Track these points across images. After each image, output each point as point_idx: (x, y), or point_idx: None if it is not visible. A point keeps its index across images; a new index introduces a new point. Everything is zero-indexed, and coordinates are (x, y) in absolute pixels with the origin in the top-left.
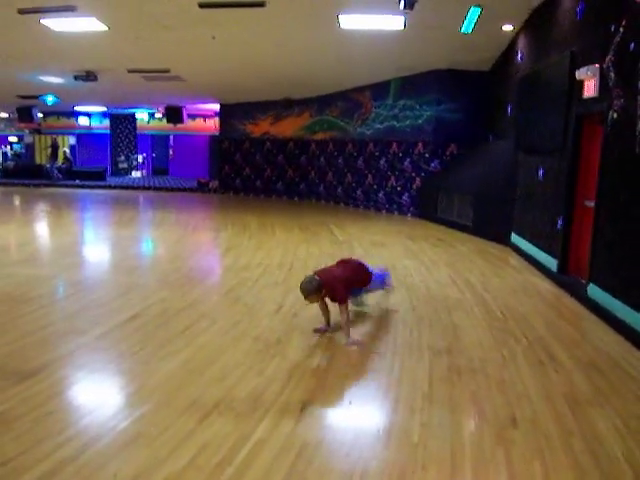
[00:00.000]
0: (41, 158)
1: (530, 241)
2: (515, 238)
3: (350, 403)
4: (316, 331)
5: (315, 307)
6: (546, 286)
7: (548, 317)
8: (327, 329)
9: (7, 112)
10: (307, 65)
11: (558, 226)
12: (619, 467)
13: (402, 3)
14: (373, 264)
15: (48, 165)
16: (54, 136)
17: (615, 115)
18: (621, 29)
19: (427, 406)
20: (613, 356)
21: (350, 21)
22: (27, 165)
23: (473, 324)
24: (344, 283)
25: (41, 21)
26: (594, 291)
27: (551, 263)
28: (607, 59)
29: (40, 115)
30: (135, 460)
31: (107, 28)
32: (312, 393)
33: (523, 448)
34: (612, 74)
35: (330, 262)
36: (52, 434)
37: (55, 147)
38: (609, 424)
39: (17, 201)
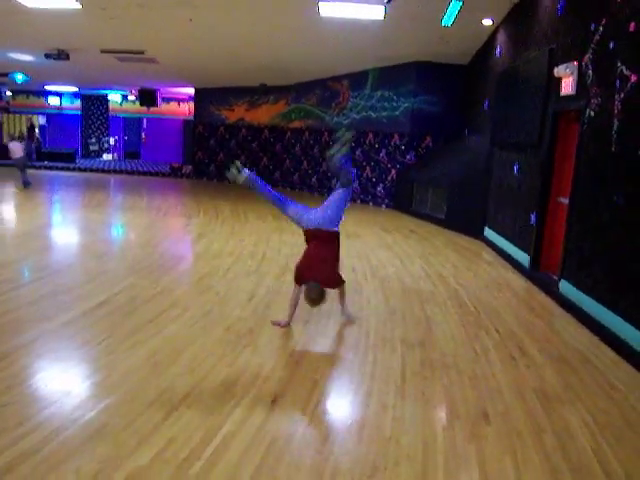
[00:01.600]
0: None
1: (503, 236)
2: (488, 232)
3: (322, 396)
4: (274, 323)
5: (288, 298)
6: (518, 281)
7: (520, 312)
8: (286, 325)
9: None
10: (285, 52)
11: (531, 222)
12: (588, 462)
13: None
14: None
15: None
16: (30, 116)
17: (592, 113)
18: (601, 28)
19: (400, 401)
20: (583, 352)
21: (330, 9)
22: None
23: (446, 318)
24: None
25: None
26: (565, 287)
27: (523, 258)
28: (586, 57)
29: (9, 93)
30: (99, 453)
31: (80, 6)
32: (283, 386)
33: (495, 444)
34: (590, 72)
35: (303, 251)
36: (11, 426)
37: (32, 128)
38: (579, 419)
39: None
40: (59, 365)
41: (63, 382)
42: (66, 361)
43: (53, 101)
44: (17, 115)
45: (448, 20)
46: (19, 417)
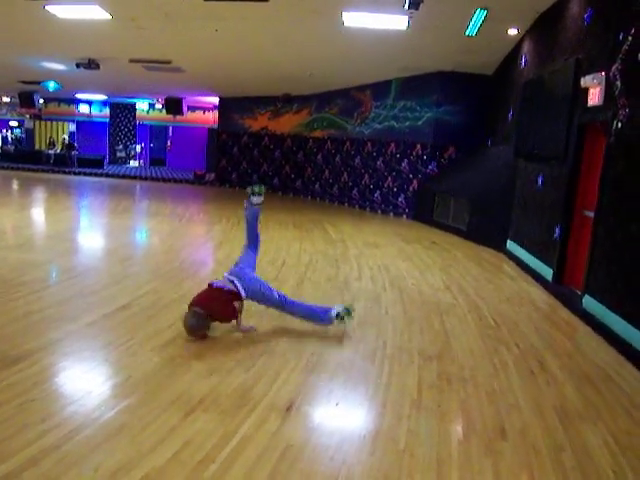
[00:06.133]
0: (41, 144)
1: (526, 248)
2: (511, 245)
3: (337, 405)
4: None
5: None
6: (540, 295)
7: (541, 327)
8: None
9: (9, 96)
10: (308, 62)
11: (555, 235)
12: None
13: (407, 3)
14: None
15: (63, 152)
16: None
17: (619, 125)
18: (629, 37)
19: (415, 413)
20: (606, 369)
21: (354, 19)
22: (27, 150)
23: (465, 331)
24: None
25: (45, 7)
26: (589, 302)
27: (546, 272)
28: (614, 67)
29: (41, 101)
30: (118, 452)
31: (110, 17)
32: (299, 393)
33: (511, 461)
34: (618, 83)
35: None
36: (36, 422)
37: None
38: (600, 439)
39: (16, 185)
40: (82, 365)
41: (86, 381)
42: (89, 361)
43: (83, 109)
44: (48, 122)
45: (472, 30)
46: (43, 413)
